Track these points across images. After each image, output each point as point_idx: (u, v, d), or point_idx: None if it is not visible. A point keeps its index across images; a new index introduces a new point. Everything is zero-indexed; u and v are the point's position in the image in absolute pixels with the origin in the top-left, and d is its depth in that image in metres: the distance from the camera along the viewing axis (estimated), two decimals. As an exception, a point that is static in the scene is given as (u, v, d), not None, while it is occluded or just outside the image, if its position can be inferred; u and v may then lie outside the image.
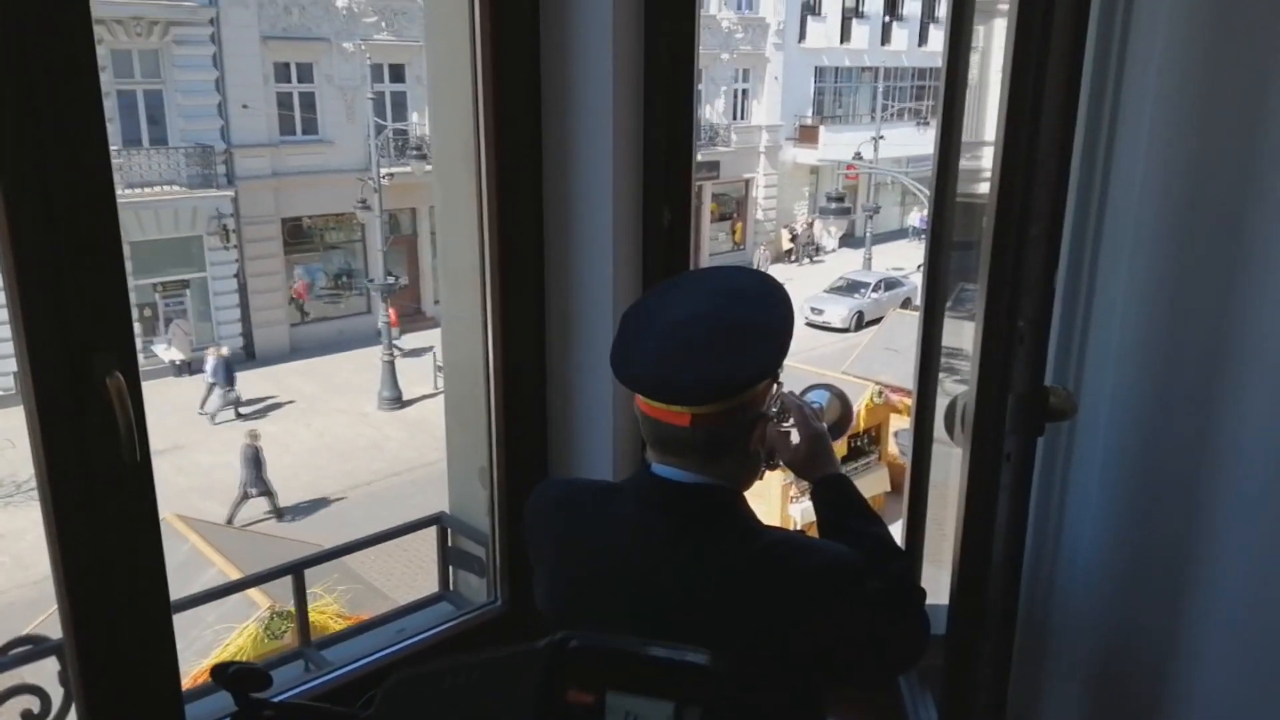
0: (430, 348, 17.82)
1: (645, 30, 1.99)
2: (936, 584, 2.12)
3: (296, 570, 2.45)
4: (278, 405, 17.81)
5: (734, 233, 27.49)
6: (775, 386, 1.45)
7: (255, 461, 13.83)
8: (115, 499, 1.60)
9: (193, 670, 7.02)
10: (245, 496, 13.89)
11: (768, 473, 1.58)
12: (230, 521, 13.51)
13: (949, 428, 2.07)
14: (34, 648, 1.90)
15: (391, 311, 18.83)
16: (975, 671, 1.53)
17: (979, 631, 1.52)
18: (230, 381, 17.21)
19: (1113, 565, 1.77)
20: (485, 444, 2.31)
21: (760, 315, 1.38)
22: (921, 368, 2.10)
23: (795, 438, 1.63)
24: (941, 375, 2.14)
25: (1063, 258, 1.55)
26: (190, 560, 8.53)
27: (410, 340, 19.16)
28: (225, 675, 1.67)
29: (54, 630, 1.80)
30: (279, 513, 14.01)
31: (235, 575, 8.37)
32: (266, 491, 13.98)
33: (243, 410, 17.31)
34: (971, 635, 1.54)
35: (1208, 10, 1.50)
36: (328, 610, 7.49)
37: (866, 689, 1.96)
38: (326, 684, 2.03)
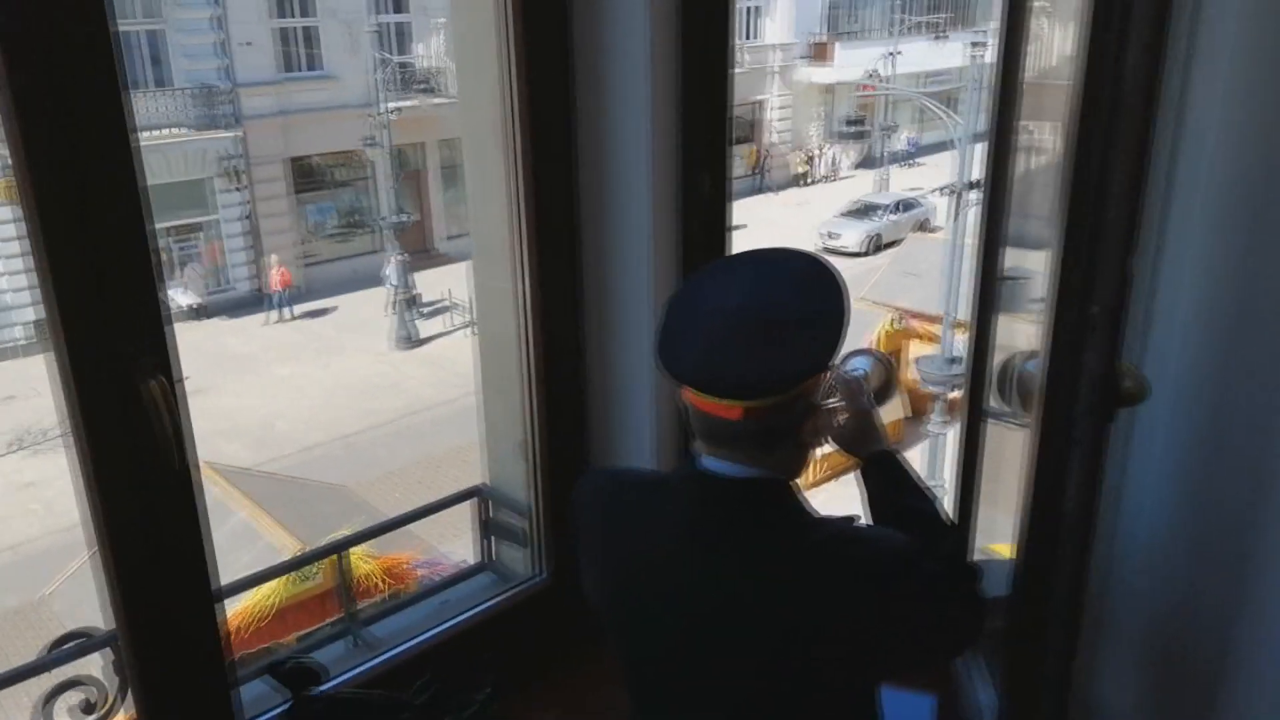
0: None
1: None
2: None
3: (339, 551, 2.45)
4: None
5: (749, 157, 27.07)
6: (828, 374, 1.39)
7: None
8: (161, 505, 1.58)
9: (226, 612, 7.18)
10: None
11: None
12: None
13: (1002, 390, 2.01)
14: (87, 640, 1.90)
15: (282, 271, 18.67)
16: (1040, 660, 1.50)
17: (1044, 618, 1.49)
18: (408, 284, 18.45)
19: (1175, 539, 1.74)
20: (522, 417, 2.28)
21: (815, 305, 1.31)
22: (980, 308, 2.00)
23: (841, 415, 1.58)
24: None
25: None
26: (217, 506, 8.61)
27: (421, 279, 19.09)
28: (282, 672, 1.68)
29: (87, 577, 1.81)
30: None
31: (262, 519, 8.49)
32: None
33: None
34: (1036, 622, 1.51)
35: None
36: (356, 552, 7.56)
37: (927, 672, 1.96)
38: (376, 667, 2.04)
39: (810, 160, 28.35)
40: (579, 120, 2.11)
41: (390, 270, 18.64)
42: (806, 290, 1.32)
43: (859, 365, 1.74)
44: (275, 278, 18.80)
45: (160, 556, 1.64)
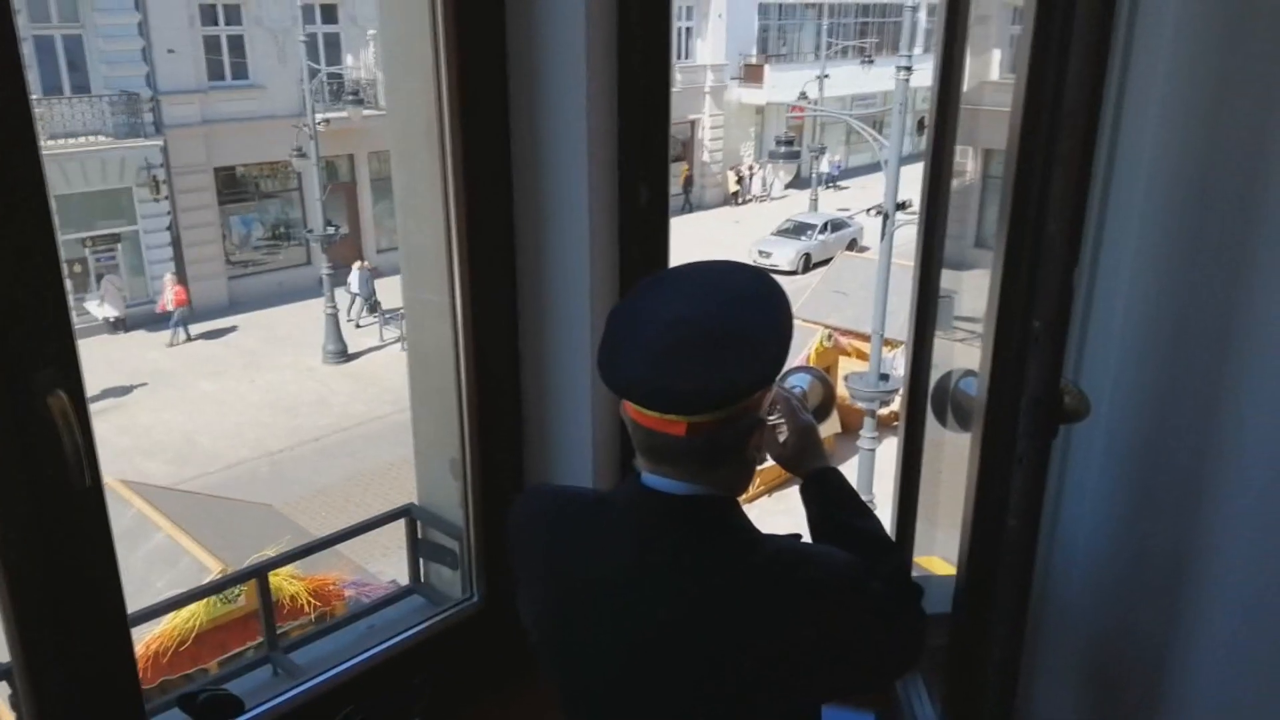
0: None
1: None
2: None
3: (260, 573, 2.34)
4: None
5: (680, 176, 27.26)
6: (771, 389, 1.37)
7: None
8: (66, 526, 1.48)
9: (145, 638, 6.89)
10: None
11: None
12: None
13: (938, 411, 2.01)
14: (-18, 673, 1.78)
15: (177, 290, 17.80)
16: (984, 677, 1.49)
17: (988, 636, 1.47)
18: (372, 292, 18.85)
19: (1112, 557, 1.74)
20: (456, 435, 2.20)
21: (760, 319, 1.28)
22: (916, 332, 2.00)
23: (782, 432, 1.56)
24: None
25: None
26: (136, 526, 8.29)
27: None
28: (195, 705, 1.58)
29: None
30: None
31: (183, 540, 8.20)
32: None
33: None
34: (980, 640, 1.49)
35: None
36: (282, 572, 7.35)
37: (871, 693, 1.93)
38: (298, 696, 1.94)
39: (741, 180, 28.66)
40: (514, 129, 2.06)
41: (353, 277, 18.82)
42: (751, 304, 1.30)
43: (798, 382, 1.72)
44: (170, 296, 17.88)
45: (65, 582, 1.53)
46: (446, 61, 1.94)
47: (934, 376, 2.10)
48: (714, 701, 1.26)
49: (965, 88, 1.97)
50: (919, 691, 2.06)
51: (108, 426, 13.78)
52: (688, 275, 1.36)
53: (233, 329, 18.63)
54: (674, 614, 1.26)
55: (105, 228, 18.39)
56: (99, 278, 18.07)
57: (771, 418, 1.53)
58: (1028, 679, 1.84)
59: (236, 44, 19.68)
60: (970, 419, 1.66)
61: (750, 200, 28.59)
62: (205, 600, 7.18)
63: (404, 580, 2.55)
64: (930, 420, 2.13)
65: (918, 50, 13.68)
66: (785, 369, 1.71)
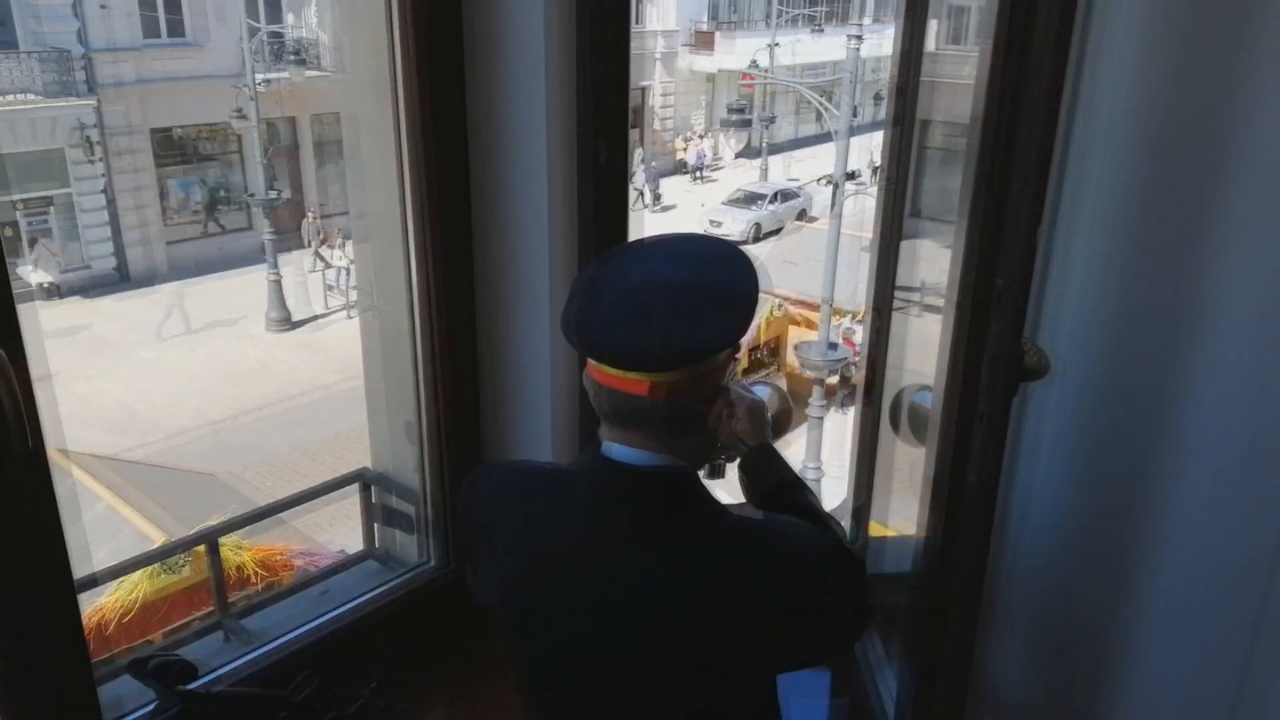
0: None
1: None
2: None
3: (210, 538, 2.29)
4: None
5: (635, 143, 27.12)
6: (734, 361, 1.36)
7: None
8: (7, 490, 1.43)
9: (86, 609, 6.75)
10: None
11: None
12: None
13: (893, 421, 2.04)
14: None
15: None
16: (943, 632, 1.51)
17: (948, 592, 1.49)
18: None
19: (1064, 518, 1.77)
20: (411, 397, 2.17)
21: (727, 282, 1.27)
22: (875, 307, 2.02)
23: (737, 418, 1.55)
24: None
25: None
26: (75, 497, 8.11)
27: (297, 260, 18.40)
28: (145, 669, 1.55)
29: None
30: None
31: (125, 510, 8.04)
32: None
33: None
34: (940, 596, 1.51)
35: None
36: (228, 541, 7.22)
37: (830, 659, 1.95)
38: (252, 662, 1.90)
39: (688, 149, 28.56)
40: (472, 86, 2.02)
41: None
42: (718, 268, 1.29)
43: (759, 391, 1.70)
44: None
45: (6, 548, 1.48)
46: (401, 16, 1.89)
47: (890, 348, 2.11)
48: (679, 673, 1.25)
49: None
50: (875, 648, 2.09)
51: (43, 396, 13.35)
52: (653, 244, 1.36)
53: (173, 296, 18.10)
54: (640, 592, 1.24)
55: (37, 190, 17.74)
56: (32, 242, 17.47)
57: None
58: (983, 635, 1.87)
59: (173, 0, 19.03)
60: (924, 431, 1.68)
61: (702, 169, 28.53)
62: (147, 571, 7.03)
63: (353, 549, 2.51)
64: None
65: (867, 20, 13.70)
66: (750, 381, 1.72)
